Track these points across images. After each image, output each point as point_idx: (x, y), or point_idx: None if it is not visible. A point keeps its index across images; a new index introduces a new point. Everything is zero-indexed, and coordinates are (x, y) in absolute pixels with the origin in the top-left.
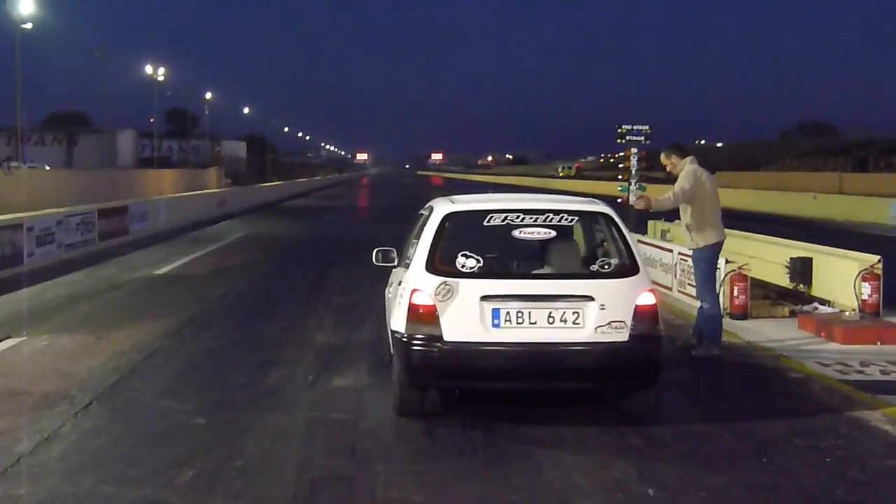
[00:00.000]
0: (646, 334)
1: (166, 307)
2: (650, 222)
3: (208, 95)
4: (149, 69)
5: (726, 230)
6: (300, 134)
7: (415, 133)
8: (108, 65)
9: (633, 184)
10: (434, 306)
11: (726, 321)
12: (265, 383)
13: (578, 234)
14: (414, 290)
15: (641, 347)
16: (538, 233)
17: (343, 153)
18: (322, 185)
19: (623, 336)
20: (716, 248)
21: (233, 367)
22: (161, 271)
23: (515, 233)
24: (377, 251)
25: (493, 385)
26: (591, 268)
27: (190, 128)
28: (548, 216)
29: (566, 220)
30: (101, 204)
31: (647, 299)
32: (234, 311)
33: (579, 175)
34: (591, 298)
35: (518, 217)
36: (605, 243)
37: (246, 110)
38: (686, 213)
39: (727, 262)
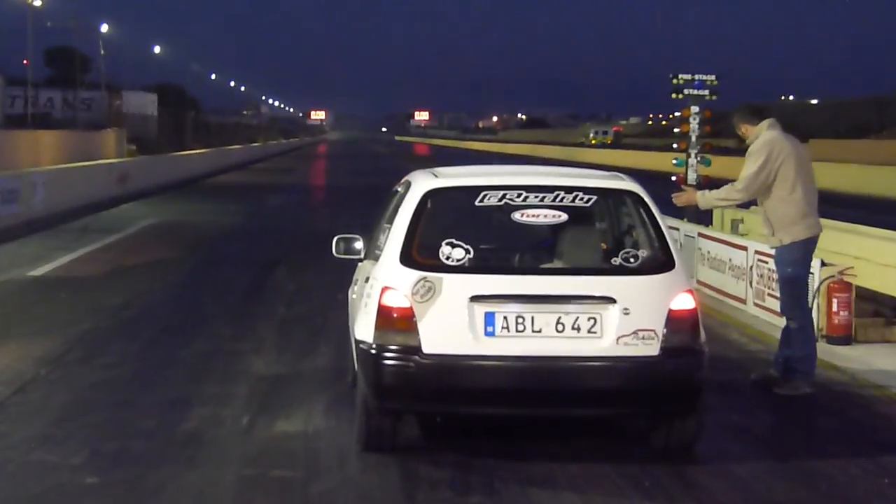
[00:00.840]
0: (682, 347)
1: (44, 322)
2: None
3: (104, 28)
4: None
5: (822, 221)
6: (233, 84)
7: (392, 85)
8: None
9: (692, 156)
10: (411, 309)
11: (822, 346)
12: (181, 429)
13: (600, 219)
14: (385, 289)
15: (676, 364)
16: (545, 216)
17: (291, 110)
18: (262, 154)
19: (652, 349)
20: (807, 247)
21: (137, 407)
22: (37, 272)
23: (516, 216)
24: (338, 239)
25: (485, 410)
26: (613, 261)
27: (79, 74)
28: (558, 195)
29: (581, 199)
30: None
31: (685, 302)
32: (138, 329)
33: (618, 143)
34: (611, 300)
35: (520, 195)
36: (631, 230)
37: (157, 50)
38: (765, 199)
39: (823, 264)
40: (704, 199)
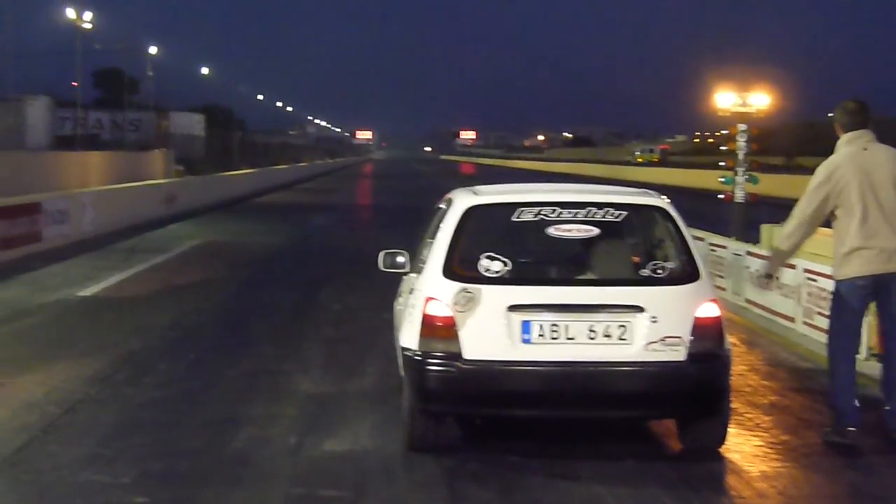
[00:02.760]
0: (707, 353)
1: (93, 342)
2: (763, 226)
3: (152, 50)
4: (70, 13)
5: None
6: (279, 104)
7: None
8: (11, 5)
9: (739, 174)
10: (452, 318)
11: (871, 365)
12: (229, 448)
13: (629, 233)
14: (428, 299)
15: (701, 369)
16: (577, 230)
17: (338, 130)
18: (308, 174)
19: (679, 355)
20: (854, 289)
21: (184, 426)
22: (86, 293)
23: (550, 230)
24: (384, 254)
25: (521, 412)
26: (642, 272)
27: (127, 95)
28: (590, 210)
29: (612, 214)
30: (2, 199)
31: (710, 311)
32: (186, 349)
33: (664, 161)
34: (640, 309)
35: (553, 211)
36: (659, 243)
37: (204, 71)
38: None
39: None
40: (778, 253)
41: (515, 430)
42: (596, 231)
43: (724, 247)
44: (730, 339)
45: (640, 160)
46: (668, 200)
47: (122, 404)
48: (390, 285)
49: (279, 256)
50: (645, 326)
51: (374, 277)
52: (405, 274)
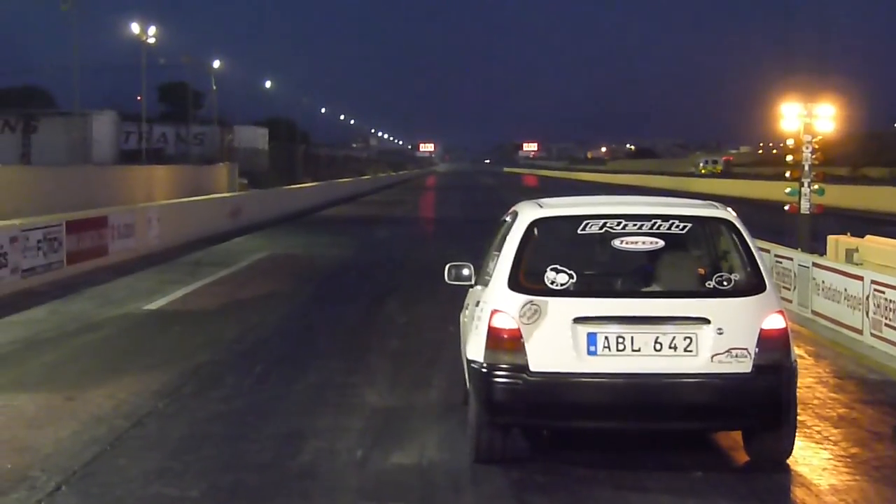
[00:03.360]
0: (773, 364)
1: (161, 356)
2: (830, 238)
3: (217, 64)
4: (135, 28)
5: None
6: (342, 117)
7: (500, 116)
8: (79, 21)
9: (805, 185)
10: (518, 330)
11: None
12: (296, 461)
13: (695, 245)
14: (494, 312)
15: (768, 380)
16: (643, 242)
17: (401, 143)
18: (372, 187)
19: (745, 366)
20: None
21: (252, 440)
22: (153, 306)
23: (616, 242)
24: (450, 266)
25: (588, 424)
26: (707, 284)
27: (192, 109)
28: (655, 222)
29: (677, 227)
30: (70, 213)
31: (776, 322)
32: (252, 362)
33: (728, 172)
34: (706, 321)
35: (619, 224)
36: (725, 255)
37: (268, 85)
38: None
39: None
40: None
41: (582, 441)
42: (661, 243)
43: (790, 258)
44: (796, 351)
45: (703, 171)
46: (734, 212)
47: (189, 417)
48: (455, 298)
49: (344, 269)
50: (711, 338)
51: (439, 290)
52: (471, 286)
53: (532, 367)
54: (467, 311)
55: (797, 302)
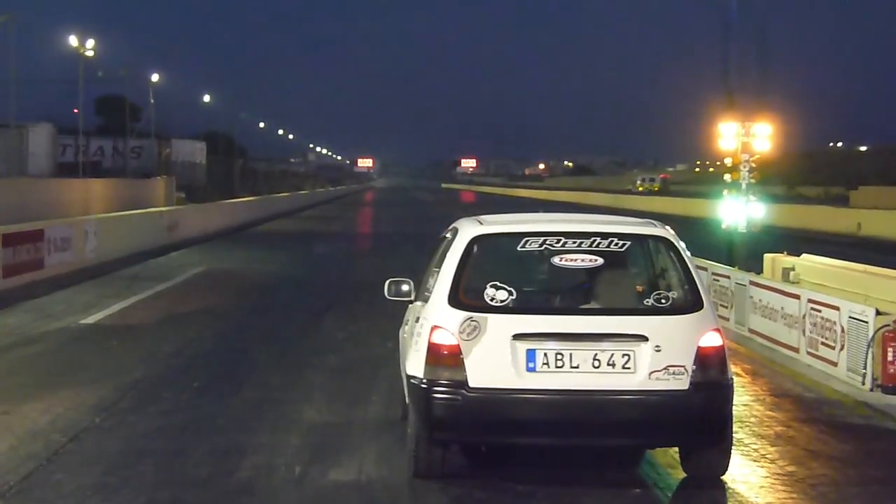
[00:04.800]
0: (710, 381)
1: (98, 370)
2: (767, 256)
3: (155, 78)
4: (73, 41)
5: (868, 266)
6: (281, 132)
7: (438, 131)
8: (15, 34)
9: (743, 204)
10: (458, 346)
11: (877, 396)
12: (235, 478)
13: (633, 262)
14: (434, 328)
15: (705, 397)
16: (582, 260)
17: (339, 158)
18: (310, 202)
19: (683, 384)
20: None
21: (190, 455)
22: (90, 320)
23: (555, 260)
24: (390, 282)
25: (527, 440)
26: (646, 302)
27: (129, 122)
28: (594, 240)
29: (616, 244)
30: (5, 227)
31: (713, 340)
32: (190, 377)
33: (665, 190)
34: (644, 338)
35: (559, 241)
36: (663, 273)
37: (206, 99)
38: None
39: (878, 313)
40: None
41: (521, 457)
42: (601, 261)
43: (727, 276)
44: (734, 369)
45: (640, 189)
46: (672, 230)
47: (127, 433)
48: (394, 314)
49: (282, 284)
50: (649, 355)
51: (377, 306)
52: (410, 302)
53: (471, 383)
54: (407, 327)
55: (734, 320)
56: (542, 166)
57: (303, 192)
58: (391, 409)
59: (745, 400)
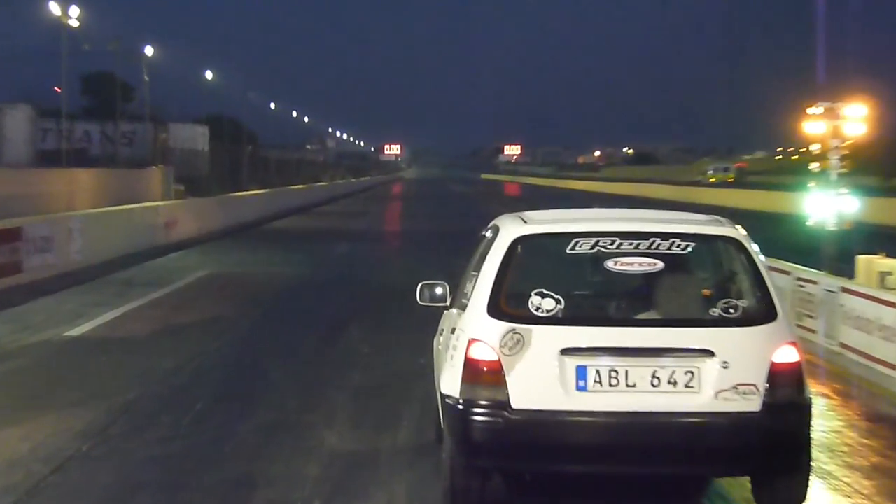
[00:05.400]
0: (786, 402)
1: (85, 390)
2: (860, 258)
3: (149, 52)
4: (55, 9)
5: None
6: (295, 115)
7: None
8: None
9: (831, 196)
10: (499, 362)
11: None
12: None
13: (699, 267)
14: (472, 341)
15: (779, 420)
16: (640, 264)
17: (363, 144)
18: (329, 195)
19: (754, 405)
20: None
21: (191, 489)
22: (76, 332)
23: (609, 264)
24: (422, 286)
25: (576, 468)
26: (711, 312)
27: (120, 104)
28: (654, 241)
29: (678, 246)
30: None
31: (788, 355)
32: (192, 398)
33: (742, 181)
34: (710, 353)
35: (613, 243)
36: (732, 279)
37: (209, 77)
38: None
39: None
40: None
41: (570, 488)
42: (660, 265)
43: (814, 282)
44: (822, 390)
45: (712, 180)
46: (742, 230)
47: (119, 462)
48: (426, 324)
49: (298, 291)
50: (715, 372)
51: (407, 315)
52: (446, 308)
53: (514, 404)
54: (441, 338)
55: (823, 333)
56: (597, 154)
57: (321, 183)
58: (423, 434)
59: (835, 426)
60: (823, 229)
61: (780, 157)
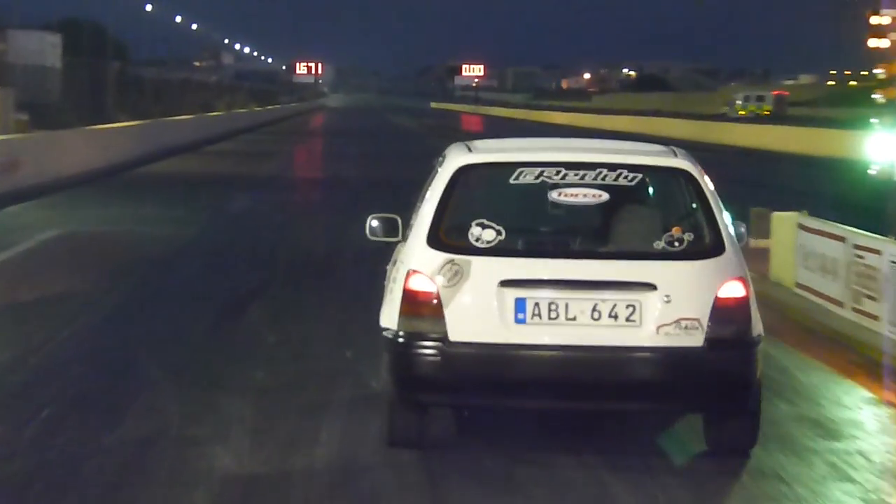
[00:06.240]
0: (730, 338)
1: None
2: None
3: None
4: None
5: None
6: (179, 20)
7: (427, 24)
8: None
9: None
10: (437, 293)
11: None
12: None
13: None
14: (411, 272)
15: (722, 356)
16: (584, 195)
17: (271, 61)
18: (226, 129)
19: (696, 340)
20: None
21: None
22: None
23: (553, 195)
24: (372, 218)
25: (515, 403)
26: (656, 245)
27: None
28: (600, 172)
29: (625, 177)
30: None
31: (734, 290)
32: (35, 401)
33: (781, 114)
34: (652, 287)
35: (558, 173)
36: (680, 213)
37: None
38: None
39: None
40: None
41: (510, 424)
42: (606, 196)
43: (877, 251)
44: (887, 396)
45: (742, 113)
46: (694, 161)
47: None
48: (356, 303)
49: (180, 260)
50: (657, 307)
51: (330, 291)
52: (398, 242)
53: (452, 337)
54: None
55: (888, 319)
56: (587, 77)
57: (215, 113)
58: (350, 449)
59: None
60: (890, 180)
61: (833, 83)
